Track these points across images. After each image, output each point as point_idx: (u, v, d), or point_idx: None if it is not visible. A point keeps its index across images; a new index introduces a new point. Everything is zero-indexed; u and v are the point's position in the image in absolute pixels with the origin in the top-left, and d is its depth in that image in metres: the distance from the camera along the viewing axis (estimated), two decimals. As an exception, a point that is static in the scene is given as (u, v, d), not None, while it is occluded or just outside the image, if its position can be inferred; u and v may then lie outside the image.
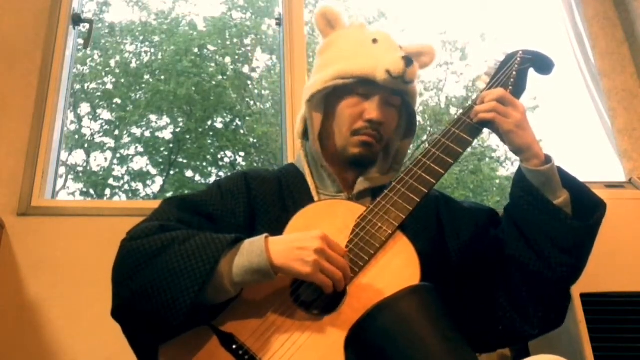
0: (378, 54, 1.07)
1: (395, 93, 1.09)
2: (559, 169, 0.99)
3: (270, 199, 1.05)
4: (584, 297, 1.43)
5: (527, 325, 0.97)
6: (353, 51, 1.10)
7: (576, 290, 1.44)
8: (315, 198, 1.06)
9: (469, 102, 1.07)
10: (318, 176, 1.11)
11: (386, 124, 1.08)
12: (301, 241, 0.83)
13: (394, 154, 1.16)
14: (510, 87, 1.03)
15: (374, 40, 1.10)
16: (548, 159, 0.98)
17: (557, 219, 0.94)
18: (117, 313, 0.89)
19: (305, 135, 1.15)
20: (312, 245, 0.82)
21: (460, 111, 1.06)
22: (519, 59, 1.08)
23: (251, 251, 0.83)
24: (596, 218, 0.96)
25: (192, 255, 0.82)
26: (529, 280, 0.98)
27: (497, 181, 6.95)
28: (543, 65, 1.09)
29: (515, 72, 1.06)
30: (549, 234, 0.95)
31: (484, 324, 0.99)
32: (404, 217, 0.92)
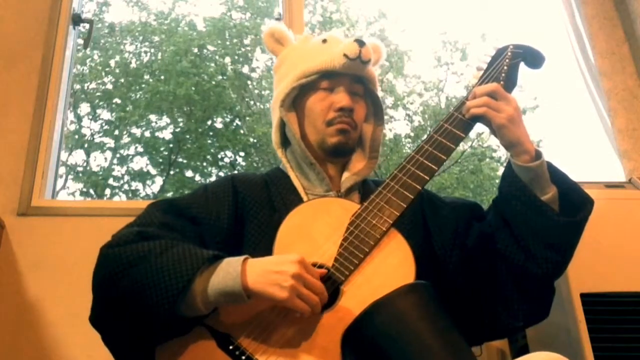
0: (331, 47, 1.11)
1: (357, 80, 1.12)
2: (549, 165, 0.99)
3: (258, 201, 1.05)
4: (584, 297, 1.43)
5: (511, 318, 0.99)
6: (308, 54, 1.14)
7: (576, 290, 1.44)
8: (305, 198, 1.06)
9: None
10: (304, 177, 1.11)
11: (356, 110, 1.10)
12: (278, 265, 0.82)
13: (370, 143, 1.17)
14: (502, 82, 1.04)
15: (324, 41, 1.14)
16: (538, 155, 0.98)
17: (543, 214, 0.95)
18: (94, 320, 0.90)
19: (282, 143, 1.16)
20: (289, 269, 0.81)
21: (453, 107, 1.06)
22: (509, 53, 1.09)
23: (227, 272, 0.82)
24: (583, 215, 0.97)
25: (166, 270, 0.82)
26: (514, 275, 0.99)
27: (497, 181, 6.94)
28: (533, 59, 1.09)
29: (507, 66, 1.07)
30: (535, 229, 0.96)
31: (470, 317, 1.00)
32: (399, 214, 0.92)
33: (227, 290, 0.81)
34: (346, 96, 1.08)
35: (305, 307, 0.81)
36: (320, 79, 1.10)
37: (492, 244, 1.01)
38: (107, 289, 0.87)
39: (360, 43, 1.08)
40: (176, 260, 0.83)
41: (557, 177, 0.99)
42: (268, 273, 0.82)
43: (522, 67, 1.09)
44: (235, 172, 6.45)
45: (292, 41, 1.22)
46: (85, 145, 7.15)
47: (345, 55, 1.07)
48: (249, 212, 1.03)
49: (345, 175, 1.10)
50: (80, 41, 2.21)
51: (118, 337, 0.89)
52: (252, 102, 7.53)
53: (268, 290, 0.81)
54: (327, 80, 1.10)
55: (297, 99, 1.13)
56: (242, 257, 0.84)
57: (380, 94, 1.18)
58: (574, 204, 0.98)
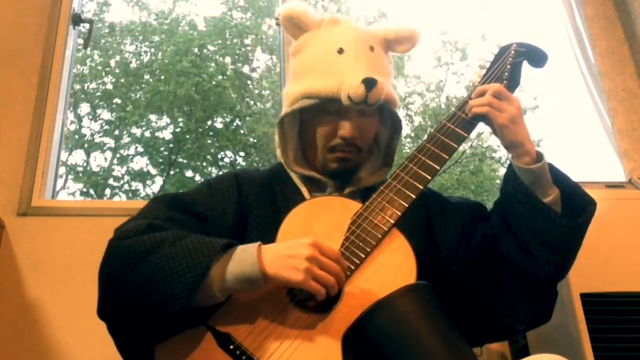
0: (342, 70, 1.02)
1: None
2: (550, 166, 0.99)
3: (261, 199, 1.04)
4: (584, 297, 1.43)
5: (514, 320, 0.99)
6: (318, 64, 1.06)
7: (576, 290, 1.44)
8: (307, 197, 1.06)
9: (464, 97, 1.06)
10: (307, 180, 1.10)
11: (362, 136, 1.06)
12: (292, 249, 0.82)
13: (384, 150, 1.15)
14: (505, 81, 1.03)
15: (340, 50, 1.05)
16: (539, 157, 0.98)
17: (545, 217, 0.95)
18: (103, 313, 0.89)
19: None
20: (303, 252, 0.81)
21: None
22: (512, 52, 1.08)
23: (243, 259, 0.82)
24: (585, 217, 0.96)
25: (183, 259, 0.81)
26: (516, 277, 0.98)
27: (498, 181, 6.96)
28: (537, 57, 1.09)
29: (510, 65, 1.06)
30: (537, 231, 0.95)
31: (471, 319, 0.99)
32: (400, 214, 0.92)
33: (245, 275, 0.81)
34: (351, 126, 1.03)
35: (321, 289, 0.81)
36: (325, 102, 1.03)
37: (494, 245, 1.01)
38: (120, 282, 0.85)
39: (369, 85, 0.97)
40: (191, 249, 0.83)
41: (559, 179, 0.99)
42: (283, 257, 0.82)
43: (525, 65, 1.08)
44: (239, 167, 6.45)
45: (313, 22, 1.11)
46: (85, 145, 7.15)
47: (349, 97, 0.98)
48: (252, 212, 1.02)
49: (349, 187, 1.09)
50: (80, 41, 2.21)
51: (127, 328, 0.88)
52: (252, 102, 7.53)
53: (284, 274, 0.80)
54: (333, 104, 1.03)
55: (303, 110, 1.08)
56: (256, 244, 0.84)
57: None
58: (576, 206, 0.97)
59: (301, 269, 0.80)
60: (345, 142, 1.04)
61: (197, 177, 7.16)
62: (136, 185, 7.21)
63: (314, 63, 1.07)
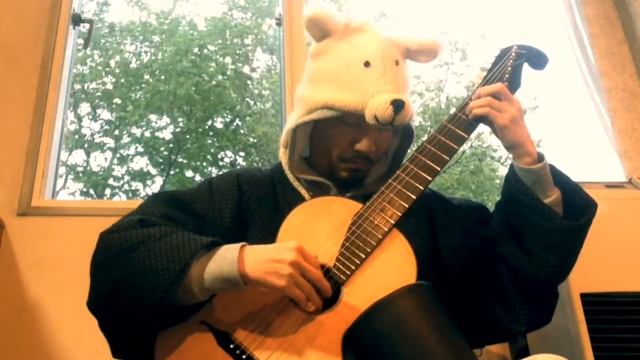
0: (368, 86, 1.00)
1: None
2: (552, 167, 0.99)
3: (264, 201, 1.04)
4: (584, 297, 1.43)
5: (514, 322, 0.98)
6: (343, 75, 1.03)
7: (576, 290, 1.44)
8: (307, 198, 1.05)
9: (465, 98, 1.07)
10: (310, 183, 1.09)
11: (377, 150, 1.06)
12: (276, 253, 0.82)
13: (391, 157, 1.15)
14: (506, 83, 1.03)
15: (367, 64, 1.02)
16: (540, 157, 0.98)
17: (546, 218, 0.94)
18: (91, 305, 0.90)
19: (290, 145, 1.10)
20: (287, 257, 0.81)
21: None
22: (513, 54, 1.08)
23: (224, 259, 0.82)
24: (586, 218, 0.96)
25: (164, 255, 0.82)
26: (516, 279, 0.98)
27: (498, 181, 6.96)
28: (537, 60, 1.09)
29: (510, 67, 1.06)
30: (538, 233, 0.95)
31: (472, 320, 0.99)
32: (401, 214, 0.92)
33: (224, 275, 0.81)
34: (369, 141, 1.03)
35: (303, 296, 0.81)
36: (345, 115, 1.02)
37: (495, 247, 1.01)
38: (105, 273, 0.87)
39: (397, 108, 0.97)
40: (174, 246, 0.83)
41: (560, 180, 0.99)
42: (266, 261, 0.81)
43: (525, 67, 1.09)
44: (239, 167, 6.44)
45: (338, 28, 1.07)
46: (85, 145, 7.15)
47: (375, 117, 0.98)
48: (253, 213, 1.02)
49: (352, 190, 1.08)
50: (80, 41, 2.21)
51: (114, 323, 0.89)
52: (252, 102, 7.52)
53: (266, 279, 0.80)
54: (353, 117, 1.02)
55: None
56: (239, 244, 0.84)
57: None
58: (577, 207, 0.97)
59: (285, 275, 0.80)
60: (360, 155, 1.04)
61: (197, 177, 7.15)
62: (136, 185, 7.21)
63: (337, 73, 1.04)
